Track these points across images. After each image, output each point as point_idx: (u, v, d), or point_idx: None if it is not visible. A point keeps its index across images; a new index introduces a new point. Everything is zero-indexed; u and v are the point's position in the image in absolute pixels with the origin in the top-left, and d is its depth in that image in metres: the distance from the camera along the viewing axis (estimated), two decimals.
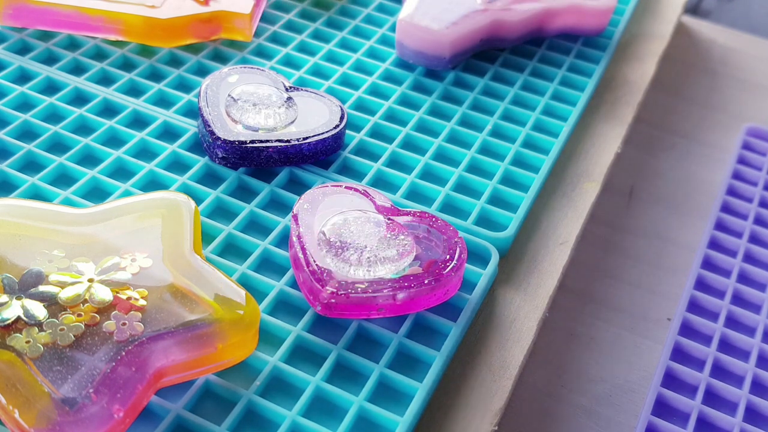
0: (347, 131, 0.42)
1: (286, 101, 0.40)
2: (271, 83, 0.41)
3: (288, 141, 0.39)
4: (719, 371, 0.35)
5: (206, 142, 0.39)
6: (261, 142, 0.38)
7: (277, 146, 0.38)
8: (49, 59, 0.45)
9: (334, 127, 0.39)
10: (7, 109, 0.42)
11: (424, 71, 0.47)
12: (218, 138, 0.38)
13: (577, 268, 0.40)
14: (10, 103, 0.42)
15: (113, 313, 0.30)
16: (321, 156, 0.40)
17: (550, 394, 0.35)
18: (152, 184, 0.39)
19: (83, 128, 0.42)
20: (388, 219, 0.35)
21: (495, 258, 0.36)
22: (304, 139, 0.39)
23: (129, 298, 0.30)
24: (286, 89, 0.41)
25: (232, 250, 0.36)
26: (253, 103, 0.39)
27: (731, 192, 0.44)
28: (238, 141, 0.38)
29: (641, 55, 0.52)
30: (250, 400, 0.30)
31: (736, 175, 0.45)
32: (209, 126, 0.39)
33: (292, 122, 0.40)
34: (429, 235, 0.35)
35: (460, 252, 0.34)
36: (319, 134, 0.39)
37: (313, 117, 0.40)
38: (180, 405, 0.30)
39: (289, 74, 0.46)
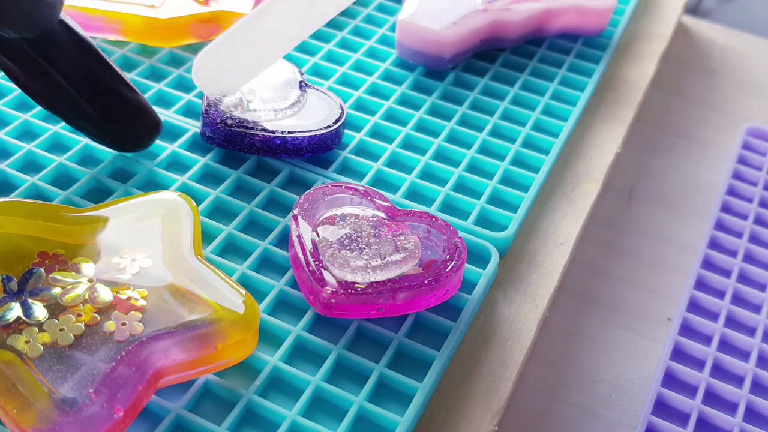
0: (347, 131, 0.42)
1: (293, 103, 0.40)
2: (290, 73, 0.42)
3: (273, 132, 0.39)
4: (719, 371, 0.35)
5: (201, 120, 0.40)
6: (246, 128, 0.39)
7: (261, 135, 0.39)
8: None
9: (326, 127, 0.39)
10: (7, 109, 0.42)
11: (424, 71, 0.47)
12: (208, 116, 0.39)
13: (577, 268, 0.40)
14: (10, 104, 0.42)
15: (113, 313, 0.30)
16: (307, 153, 0.40)
17: (550, 394, 0.35)
18: (152, 184, 0.39)
19: None
20: (388, 219, 0.35)
21: (495, 258, 0.36)
22: (289, 133, 0.39)
23: (129, 298, 0.30)
24: (300, 86, 0.41)
25: (232, 250, 0.36)
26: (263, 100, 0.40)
27: (731, 192, 0.44)
28: (223, 123, 0.38)
29: (641, 55, 0.52)
30: (250, 400, 0.30)
31: (736, 175, 0.45)
32: (204, 103, 0.40)
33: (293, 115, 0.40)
34: (429, 235, 0.35)
35: (459, 252, 0.34)
36: (306, 131, 0.39)
37: (311, 114, 0.40)
38: (180, 405, 0.30)
39: None
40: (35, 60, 0.34)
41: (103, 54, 0.36)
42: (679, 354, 0.36)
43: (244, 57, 0.38)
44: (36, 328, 0.29)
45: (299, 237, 0.34)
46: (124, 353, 0.28)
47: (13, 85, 0.43)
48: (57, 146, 0.40)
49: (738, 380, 0.35)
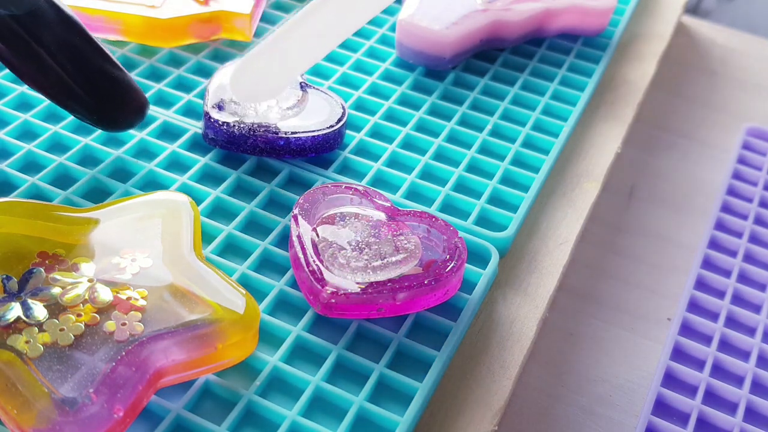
0: (347, 131, 0.42)
1: (295, 104, 0.40)
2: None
3: (276, 133, 0.39)
4: (719, 371, 0.35)
5: (203, 122, 0.40)
6: (249, 129, 0.39)
7: (264, 136, 0.39)
8: None
9: (328, 127, 0.40)
10: (7, 109, 0.42)
11: (424, 71, 0.47)
12: (210, 118, 0.39)
13: (577, 268, 0.40)
14: (10, 103, 0.42)
15: (113, 313, 0.30)
16: (310, 153, 0.40)
17: (550, 394, 0.35)
18: (152, 184, 0.39)
19: (83, 128, 0.41)
20: (388, 219, 0.35)
21: (495, 258, 0.36)
22: (293, 133, 0.39)
23: (129, 298, 0.30)
24: (301, 86, 0.41)
25: (232, 250, 0.36)
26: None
27: (731, 192, 0.44)
28: (226, 124, 0.38)
29: (641, 55, 0.52)
30: (250, 400, 0.30)
31: (736, 175, 0.45)
32: (206, 105, 0.39)
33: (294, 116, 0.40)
34: (429, 235, 0.35)
35: (459, 252, 0.34)
36: (309, 131, 0.39)
37: (312, 114, 0.40)
38: (180, 405, 0.30)
39: None
40: (22, 38, 0.34)
41: (89, 32, 0.36)
42: (679, 354, 0.36)
43: (281, 66, 0.38)
44: (36, 328, 0.29)
45: (299, 237, 0.34)
46: (124, 353, 0.28)
47: (13, 85, 0.43)
48: (57, 146, 0.40)
49: (738, 380, 0.35)
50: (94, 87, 0.35)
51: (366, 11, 0.38)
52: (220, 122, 0.39)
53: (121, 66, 0.36)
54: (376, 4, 0.37)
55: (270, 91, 0.39)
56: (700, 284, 0.39)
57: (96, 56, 0.35)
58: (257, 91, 0.39)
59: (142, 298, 0.31)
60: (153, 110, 0.42)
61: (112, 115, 0.37)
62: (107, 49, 0.36)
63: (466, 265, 0.36)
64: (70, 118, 0.41)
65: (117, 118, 0.37)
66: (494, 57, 0.49)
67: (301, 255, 0.33)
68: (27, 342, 0.29)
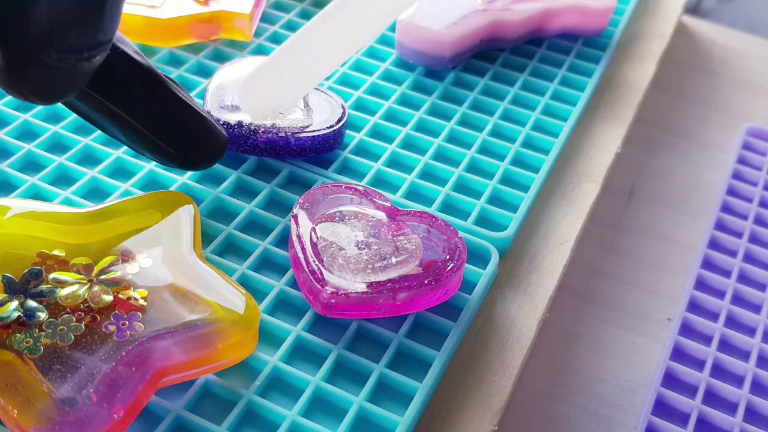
0: (347, 131, 0.42)
1: (303, 108, 0.40)
2: None
3: (276, 132, 0.39)
4: (719, 371, 0.35)
5: None
6: (249, 129, 0.38)
7: (264, 136, 0.39)
8: None
9: (328, 127, 0.39)
10: (7, 109, 0.42)
11: (424, 71, 0.47)
12: (210, 118, 0.39)
13: (577, 268, 0.40)
14: (10, 104, 0.42)
15: (113, 313, 0.30)
16: (310, 153, 0.40)
17: (550, 394, 0.35)
18: (152, 184, 0.39)
19: (83, 128, 0.41)
20: (389, 219, 0.35)
21: (495, 258, 0.36)
22: (293, 133, 0.39)
23: (129, 298, 0.30)
24: None
25: (232, 250, 0.36)
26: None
27: (731, 192, 0.44)
28: (225, 123, 0.38)
29: (641, 55, 0.52)
30: (250, 400, 0.30)
31: (736, 175, 0.45)
32: (205, 104, 0.39)
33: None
34: (429, 235, 0.35)
35: (459, 252, 0.34)
36: (309, 131, 0.39)
37: (312, 114, 0.40)
38: (180, 405, 0.30)
39: None
40: (95, 98, 0.33)
41: (165, 79, 0.34)
42: (679, 354, 0.36)
43: (291, 80, 0.38)
44: (36, 328, 0.29)
45: (299, 237, 0.34)
46: (124, 353, 0.29)
47: None
48: (57, 146, 0.40)
49: (738, 380, 0.35)
50: (174, 138, 0.35)
51: (380, 19, 0.37)
52: (220, 122, 0.39)
53: (200, 109, 0.35)
54: (391, 12, 0.37)
55: (281, 106, 0.39)
56: (700, 284, 0.39)
57: (173, 107, 0.34)
58: (267, 107, 0.38)
59: (142, 298, 0.31)
60: None
61: (193, 161, 0.36)
62: (183, 93, 0.35)
63: (466, 265, 0.36)
64: (70, 118, 0.41)
65: (199, 163, 0.36)
66: (494, 57, 0.49)
67: (301, 255, 0.33)
68: (27, 342, 0.29)
